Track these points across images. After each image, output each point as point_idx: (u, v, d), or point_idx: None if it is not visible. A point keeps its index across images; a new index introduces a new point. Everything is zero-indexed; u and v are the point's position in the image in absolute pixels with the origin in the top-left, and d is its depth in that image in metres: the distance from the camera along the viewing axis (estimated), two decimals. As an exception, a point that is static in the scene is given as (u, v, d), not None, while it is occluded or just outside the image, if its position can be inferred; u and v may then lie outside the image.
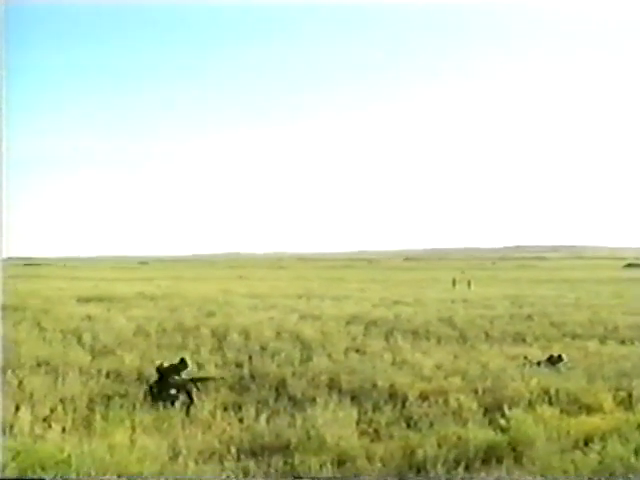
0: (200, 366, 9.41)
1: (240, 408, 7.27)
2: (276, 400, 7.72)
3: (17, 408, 6.68)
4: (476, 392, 7.81)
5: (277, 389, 8.26)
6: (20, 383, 7.96)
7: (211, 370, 9.20)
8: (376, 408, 7.20)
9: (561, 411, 6.98)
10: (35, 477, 4.90)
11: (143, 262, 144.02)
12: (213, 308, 18.18)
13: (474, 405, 7.20)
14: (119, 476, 4.99)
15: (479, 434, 6.06)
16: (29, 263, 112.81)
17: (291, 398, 7.83)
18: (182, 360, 7.77)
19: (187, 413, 7.08)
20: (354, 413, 6.82)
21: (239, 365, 9.77)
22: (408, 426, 6.65)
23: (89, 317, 15.47)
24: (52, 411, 6.85)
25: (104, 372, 8.82)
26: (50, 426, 6.12)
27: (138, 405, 7.10)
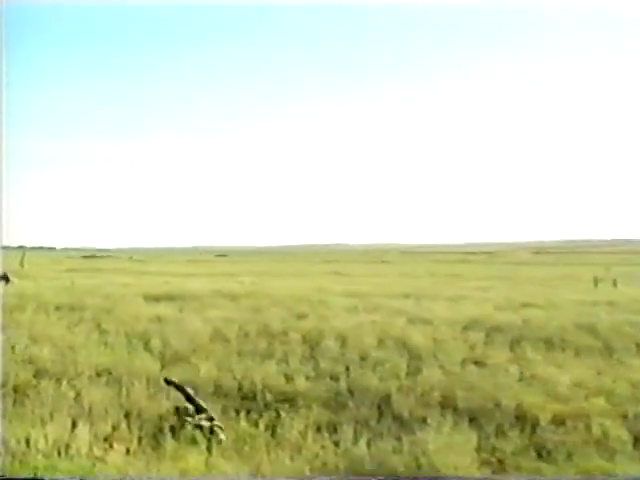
0: (288, 378, 9.47)
1: (335, 429, 7.27)
2: (378, 420, 7.66)
3: (74, 425, 6.91)
4: (625, 417, 7.46)
5: (380, 407, 8.19)
6: (77, 395, 8.22)
7: (301, 383, 9.22)
8: (500, 433, 6.99)
9: None
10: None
11: (221, 254, 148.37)
12: (304, 309, 18.28)
13: (623, 433, 6.81)
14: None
15: (630, 469, 5.70)
16: (88, 255, 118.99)
17: (396, 418, 7.75)
18: None
19: (273, 434, 7.11)
20: (473, 438, 6.65)
21: (335, 377, 9.75)
22: (539, 456, 6.43)
23: (158, 318, 15.84)
24: (114, 429, 7.05)
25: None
26: (112, 446, 6.30)
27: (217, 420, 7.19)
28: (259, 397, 8.63)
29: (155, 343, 12.15)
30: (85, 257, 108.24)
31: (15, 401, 7.86)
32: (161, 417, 7.45)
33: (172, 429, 6.92)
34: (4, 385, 8.35)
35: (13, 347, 11.12)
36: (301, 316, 16.77)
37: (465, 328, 14.89)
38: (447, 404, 8.17)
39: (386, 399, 8.48)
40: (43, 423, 6.93)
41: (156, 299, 21.16)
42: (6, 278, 29.59)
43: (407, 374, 9.81)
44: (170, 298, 21.52)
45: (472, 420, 7.41)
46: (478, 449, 6.47)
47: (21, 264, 46.69)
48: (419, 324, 15.45)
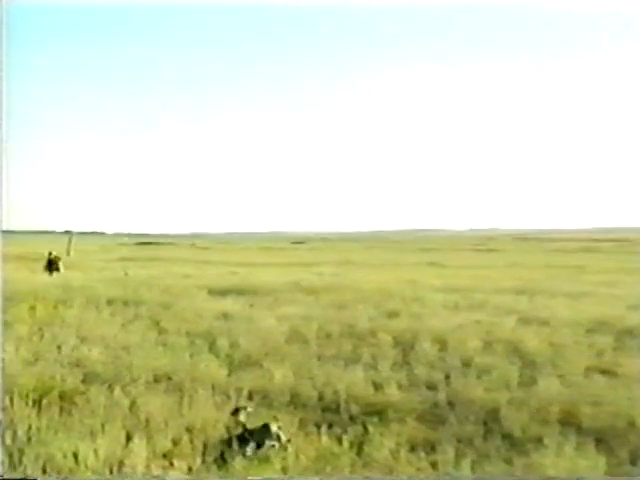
0: (377, 387, 9.47)
1: (433, 447, 7.22)
2: (484, 438, 7.57)
3: (128, 438, 7.04)
4: None
5: (486, 423, 8.09)
6: (132, 404, 8.34)
7: (393, 393, 9.21)
8: (635, 458, 6.75)
9: None
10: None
11: (298, 241, 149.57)
12: (396, 306, 18.24)
13: None
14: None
15: None
16: (144, 241, 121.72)
17: (506, 436, 7.65)
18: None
19: (359, 452, 7.12)
20: (601, 463, 6.49)
21: (432, 387, 9.70)
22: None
23: (225, 315, 16.14)
24: (175, 444, 7.14)
25: (245, 391, 9.08)
26: (172, 464, 6.38)
27: (291, 438, 7.24)
28: (343, 409, 8.64)
29: (222, 344, 12.32)
30: (140, 244, 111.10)
31: (61, 410, 8.06)
32: (229, 430, 7.47)
33: (241, 445, 6.98)
34: (49, 391, 8.63)
35: (59, 347, 11.50)
36: (392, 314, 16.73)
37: (589, 330, 14.53)
38: (568, 421, 8.00)
39: (494, 413, 8.37)
40: (93, 436, 7.07)
41: (222, 293, 21.41)
42: (53, 265, 30.59)
43: (519, 384, 9.68)
44: (238, 292, 21.77)
45: (599, 441, 7.23)
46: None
47: (67, 252, 48.27)
48: (533, 325, 15.17)
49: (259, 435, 7.04)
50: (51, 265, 30.47)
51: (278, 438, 7.07)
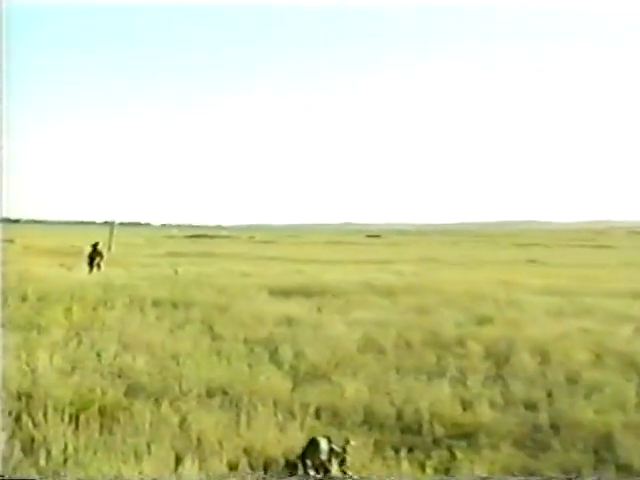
0: (466, 405, 9.38)
1: (533, 478, 7.10)
2: (595, 469, 7.44)
3: (178, 460, 7.11)
4: None
5: (596, 450, 7.96)
6: (182, 422, 8.40)
7: (484, 413, 9.11)
8: None
9: None
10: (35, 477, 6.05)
11: (373, 235, 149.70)
12: (487, 311, 18.07)
13: None
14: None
15: None
16: (196, 234, 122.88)
17: (621, 467, 7.52)
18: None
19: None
20: None
21: (531, 406, 9.59)
22: None
23: (289, 320, 16.16)
24: (231, 467, 7.18)
25: (312, 409, 9.07)
26: (228, 491, 6.42)
27: (367, 462, 7.24)
28: (426, 430, 8.58)
29: (285, 353, 12.35)
30: (191, 237, 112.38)
31: (102, 427, 8.14)
32: (293, 454, 7.46)
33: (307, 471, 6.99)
34: (88, 406, 8.76)
35: (99, 355, 11.66)
36: (483, 320, 16.58)
37: None
38: (698, 451, 7.81)
39: (606, 439, 8.23)
40: (138, 457, 7.13)
41: (286, 294, 21.53)
42: (95, 260, 30.96)
43: (637, 405, 9.50)
44: (304, 293, 21.86)
45: None
46: None
47: (108, 245, 49.05)
48: (654, 335, 14.91)
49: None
50: (92, 260, 30.85)
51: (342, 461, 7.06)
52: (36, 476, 6.37)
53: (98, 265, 30.68)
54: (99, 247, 31.54)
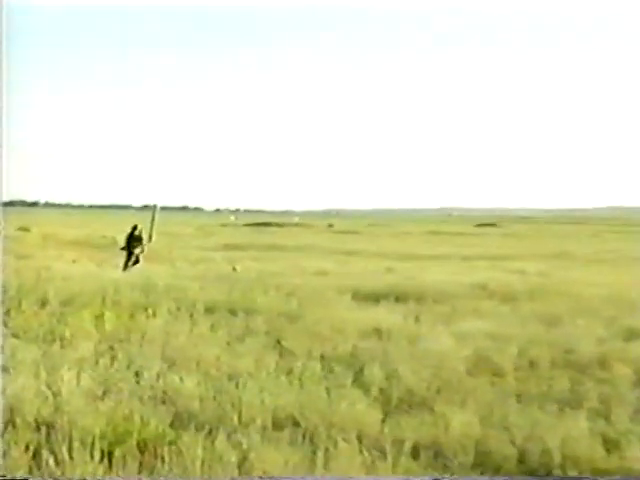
0: (610, 445, 9.24)
1: None
2: None
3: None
4: None
5: None
6: (243, 460, 8.44)
7: (636, 456, 8.95)
8: None
9: None
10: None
11: (486, 223, 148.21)
12: (638, 323, 17.74)
13: None
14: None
15: None
16: (259, 222, 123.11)
17: None
18: None
19: None
20: None
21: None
22: None
23: (378, 332, 16.10)
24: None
25: (408, 446, 8.98)
26: None
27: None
28: (557, 476, 8.50)
29: (373, 374, 12.27)
30: (253, 225, 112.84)
31: (141, 466, 8.23)
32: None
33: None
34: (124, 439, 8.83)
35: (137, 374, 11.75)
36: (632, 334, 16.30)
37: None
38: None
39: None
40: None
41: (374, 298, 21.49)
42: (134, 250, 30.50)
43: None
44: (398, 297, 21.75)
45: None
46: None
47: (149, 234, 49.26)
48: None
49: None
50: (130, 251, 30.20)
51: None
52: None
53: (136, 259, 30.29)
54: (139, 232, 31.14)
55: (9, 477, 7.24)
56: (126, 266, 29.81)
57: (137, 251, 30.47)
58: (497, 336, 15.57)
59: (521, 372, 12.97)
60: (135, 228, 31.04)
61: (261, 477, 7.44)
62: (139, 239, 30.92)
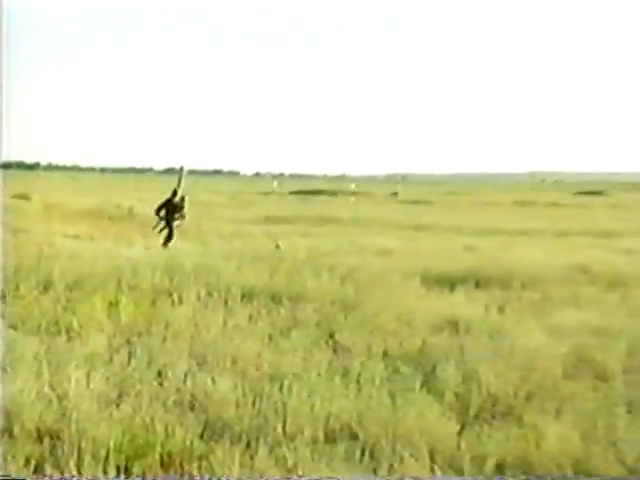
0: None
1: None
2: None
3: None
4: None
5: None
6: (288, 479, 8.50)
7: None
8: None
9: None
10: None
11: (589, 191, 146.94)
12: None
13: None
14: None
15: None
16: (306, 190, 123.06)
17: None
18: None
19: None
20: None
21: None
22: None
23: (453, 324, 16.13)
24: None
25: (491, 463, 9.07)
26: None
27: None
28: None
29: (447, 376, 12.27)
30: (300, 193, 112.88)
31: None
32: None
33: None
34: (144, 452, 8.87)
35: (160, 374, 11.81)
36: None
37: None
38: None
39: None
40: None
41: (448, 283, 21.50)
42: (173, 221, 29.80)
43: None
44: (478, 282, 21.88)
45: None
46: None
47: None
48: None
49: None
50: (169, 221, 29.66)
51: None
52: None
53: (169, 235, 29.84)
54: (180, 199, 30.43)
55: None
56: (167, 242, 29.41)
57: (176, 224, 30.06)
58: (601, 330, 15.49)
59: (631, 375, 12.91)
60: (175, 193, 30.48)
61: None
62: (179, 208, 30.46)
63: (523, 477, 6.88)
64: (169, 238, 29.78)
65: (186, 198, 30.78)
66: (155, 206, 31.17)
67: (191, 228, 37.46)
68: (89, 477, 7.82)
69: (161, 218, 30.25)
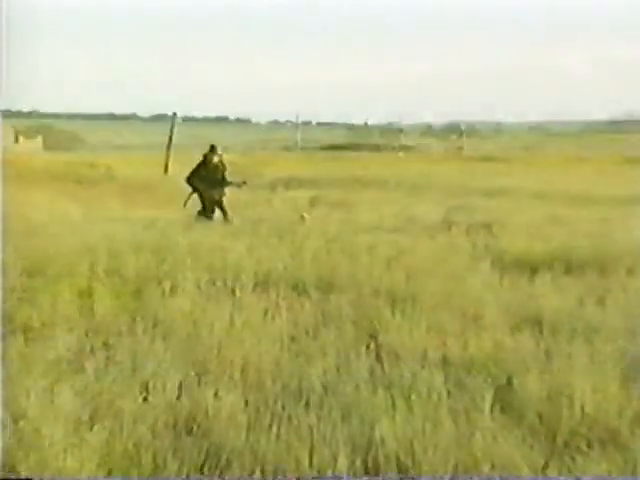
0: None
1: None
2: None
3: None
4: None
5: None
6: None
7: None
8: None
9: None
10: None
11: None
12: None
13: None
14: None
15: None
16: (340, 144, 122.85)
17: None
18: None
19: None
20: None
21: None
22: None
23: (536, 321, 16.07)
24: None
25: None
26: None
27: None
28: None
29: (527, 392, 12.21)
30: (331, 148, 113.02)
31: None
32: None
33: None
34: None
35: (146, 387, 11.78)
36: None
37: None
38: None
39: None
40: None
41: (528, 267, 21.49)
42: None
43: None
44: (568, 265, 21.72)
45: None
46: None
47: (165, 163, 49.14)
48: None
49: None
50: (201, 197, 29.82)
51: None
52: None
53: (212, 206, 30.01)
54: (219, 158, 30.66)
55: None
56: (209, 214, 29.05)
57: (216, 196, 30.29)
58: None
59: None
60: (213, 149, 30.49)
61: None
62: (221, 170, 30.57)
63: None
64: (209, 210, 30.03)
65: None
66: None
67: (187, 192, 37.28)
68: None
69: (195, 190, 30.35)
